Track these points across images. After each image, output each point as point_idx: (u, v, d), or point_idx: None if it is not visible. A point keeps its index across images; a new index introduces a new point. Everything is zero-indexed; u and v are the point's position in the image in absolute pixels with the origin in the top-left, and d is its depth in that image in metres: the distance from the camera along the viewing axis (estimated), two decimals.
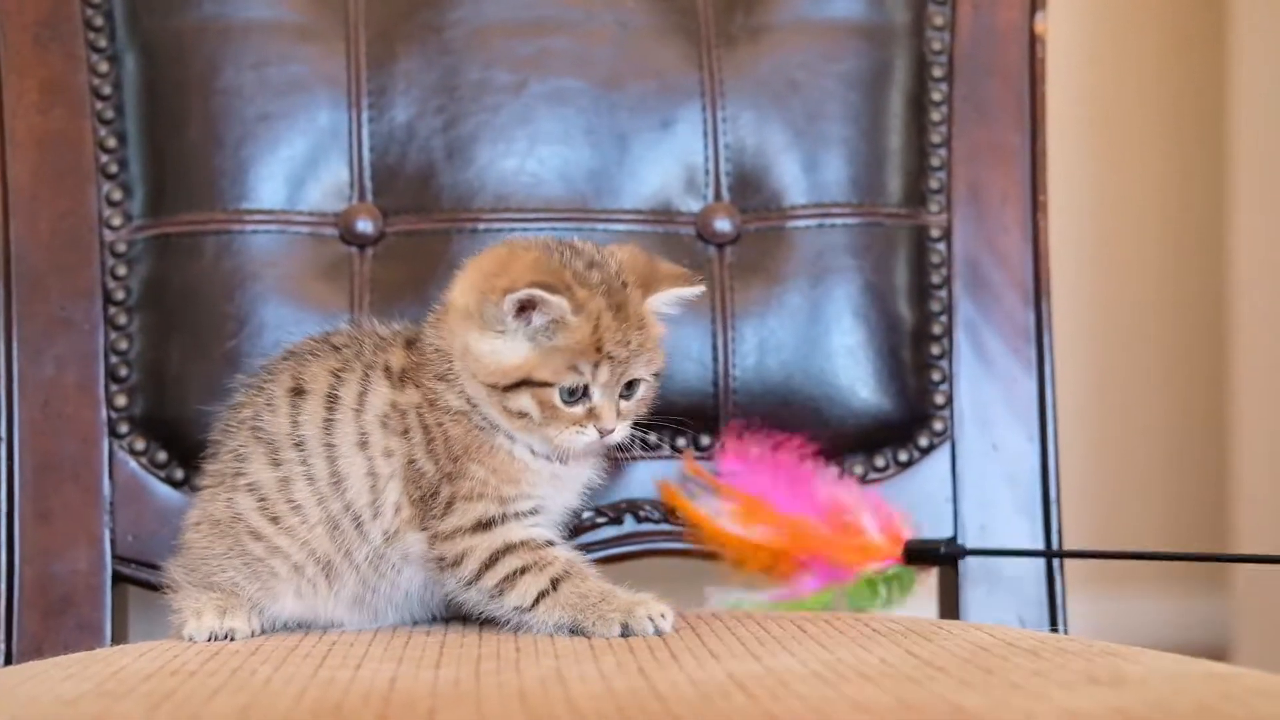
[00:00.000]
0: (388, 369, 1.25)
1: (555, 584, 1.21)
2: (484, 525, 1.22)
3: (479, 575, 1.22)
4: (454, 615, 1.28)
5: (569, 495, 1.28)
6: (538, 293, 1.16)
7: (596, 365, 1.19)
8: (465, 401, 1.22)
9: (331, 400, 1.25)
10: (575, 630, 1.20)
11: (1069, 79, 2.66)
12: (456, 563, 1.22)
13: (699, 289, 1.26)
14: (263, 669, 1.07)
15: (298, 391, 1.26)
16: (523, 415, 1.20)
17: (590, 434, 1.21)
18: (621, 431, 1.23)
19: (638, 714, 0.91)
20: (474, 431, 1.22)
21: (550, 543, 1.24)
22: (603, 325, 1.19)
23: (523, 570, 1.22)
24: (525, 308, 1.17)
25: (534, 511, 1.24)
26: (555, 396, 1.20)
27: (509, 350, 1.20)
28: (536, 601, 1.21)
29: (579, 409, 1.20)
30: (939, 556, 1.43)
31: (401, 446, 1.23)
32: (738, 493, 1.40)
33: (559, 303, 1.17)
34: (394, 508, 1.24)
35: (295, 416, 1.25)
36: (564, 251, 1.21)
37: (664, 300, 1.25)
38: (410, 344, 1.26)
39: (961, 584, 1.47)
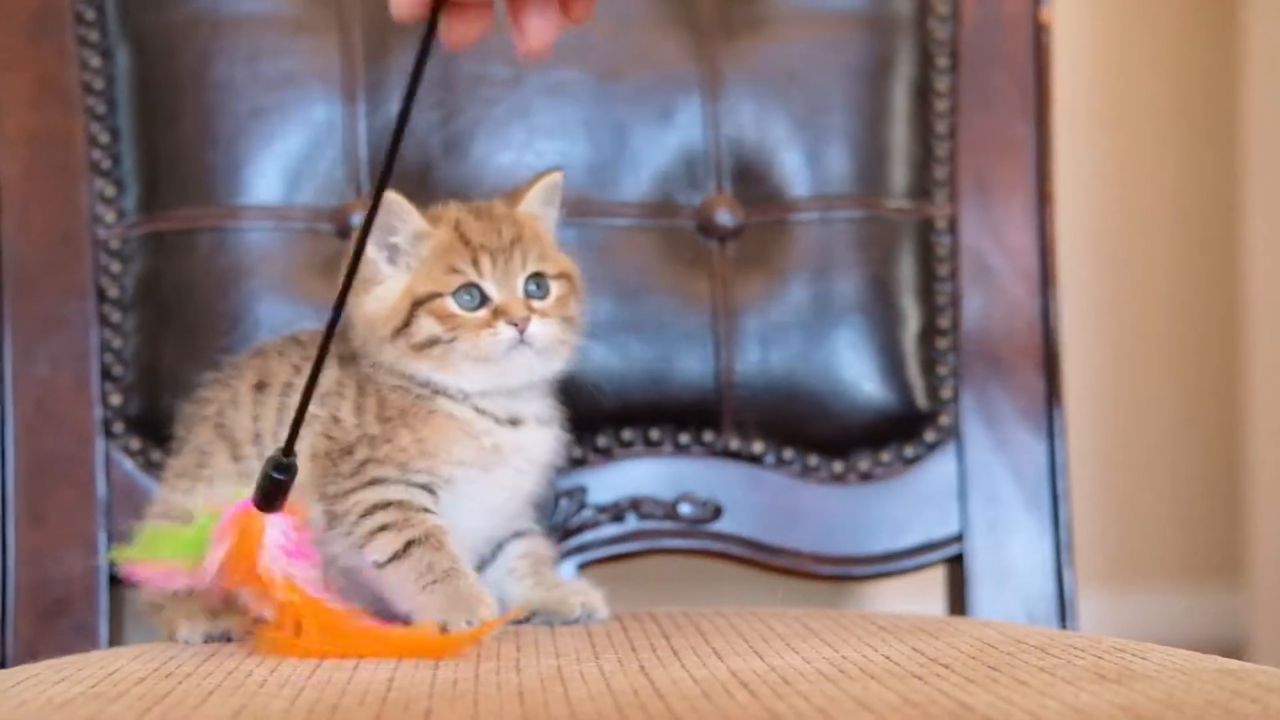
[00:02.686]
0: (340, 356, 1.24)
1: (408, 546, 1.19)
2: (374, 482, 1.21)
3: (354, 527, 1.20)
4: None
5: (517, 473, 1.25)
6: (387, 195, 1.15)
7: (475, 261, 1.20)
8: (399, 375, 1.22)
9: (286, 389, 1.24)
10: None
11: (1079, 71, 2.64)
12: (343, 518, 1.20)
13: (556, 175, 1.28)
14: (258, 670, 1.05)
15: (260, 387, 1.25)
16: (432, 342, 1.20)
17: (505, 331, 1.20)
18: (543, 330, 1.21)
19: (637, 713, 0.89)
20: (412, 397, 1.22)
21: (426, 510, 1.21)
22: (463, 224, 1.21)
23: (384, 527, 1.20)
24: (382, 237, 1.20)
25: (428, 488, 1.21)
26: (450, 305, 1.20)
27: (390, 289, 1.21)
28: (389, 560, 1.19)
29: (483, 312, 1.20)
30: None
31: (330, 408, 1.22)
32: None
33: (397, 200, 1.19)
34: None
35: (256, 411, 1.25)
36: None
37: (534, 200, 1.26)
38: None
39: (969, 580, 1.46)
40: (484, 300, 1.21)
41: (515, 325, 1.20)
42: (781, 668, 1.02)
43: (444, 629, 1.14)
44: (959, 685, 0.94)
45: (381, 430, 1.21)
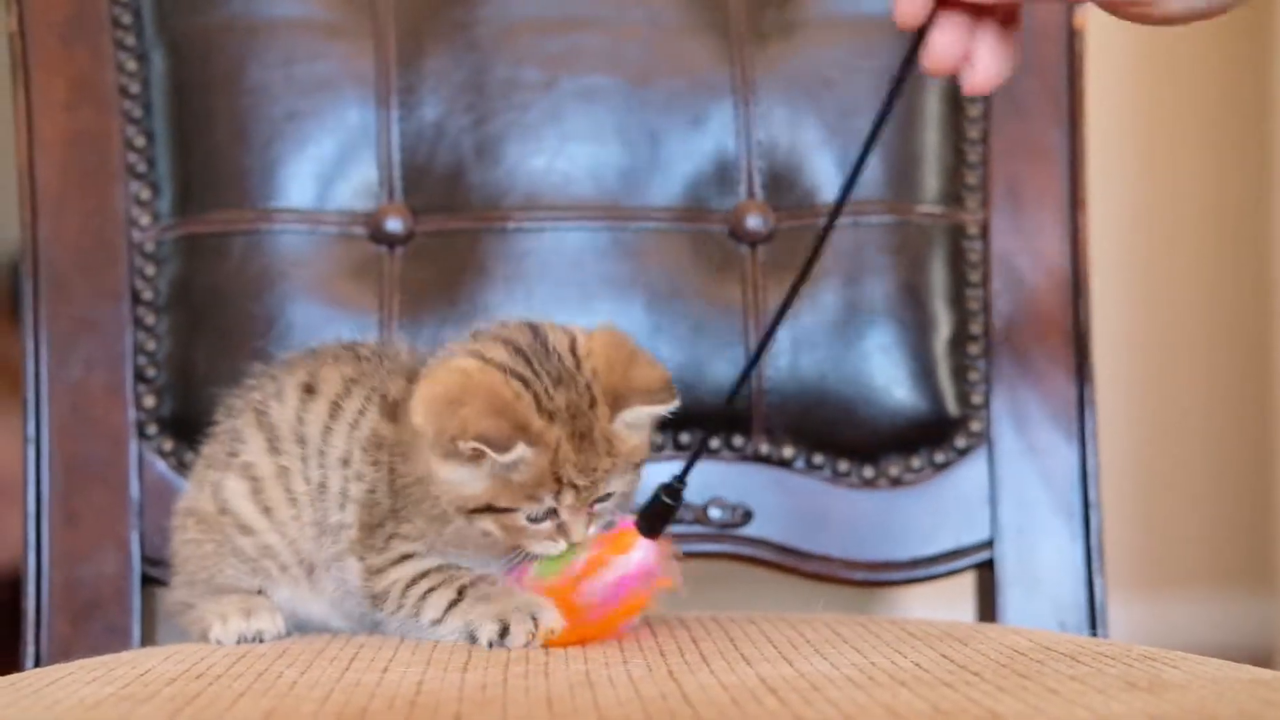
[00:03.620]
0: (384, 397, 1.22)
1: (461, 592, 1.18)
2: (405, 558, 1.20)
3: (402, 600, 1.20)
4: None
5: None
6: (483, 448, 1.12)
7: (558, 494, 1.15)
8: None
9: (335, 408, 1.23)
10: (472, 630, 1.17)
11: (1113, 79, 2.64)
12: (385, 596, 1.20)
13: (671, 406, 1.19)
14: (289, 672, 1.05)
15: (309, 389, 1.25)
16: (487, 535, 1.17)
17: (560, 545, 1.17)
18: (593, 532, 1.18)
19: (665, 719, 0.89)
20: (430, 506, 1.19)
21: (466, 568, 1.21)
22: (561, 457, 1.14)
23: (432, 589, 1.19)
24: (477, 453, 1.13)
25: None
26: (520, 519, 1.16)
27: (469, 481, 1.15)
28: (446, 610, 1.18)
29: (547, 525, 1.16)
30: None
31: (370, 475, 1.21)
32: None
33: (504, 458, 1.12)
34: (343, 529, 1.22)
35: (302, 412, 1.24)
36: (531, 364, 1.16)
37: (631, 419, 1.18)
38: (411, 379, 1.21)
39: (999, 587, 1.45)
40: (552, 514, 1.16)
41: (570, 542, 1.17)
42: (810, 674, 1.02)
43: (503, 635, 1.14)
44: (988, 693, 0.93)
45: (405, 511, 1.19)
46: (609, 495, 1.18)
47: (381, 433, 1.21)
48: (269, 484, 1.23)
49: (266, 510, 1.23)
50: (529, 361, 1.16)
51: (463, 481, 1.15)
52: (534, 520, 1.16)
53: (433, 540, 1.19)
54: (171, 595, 1.28)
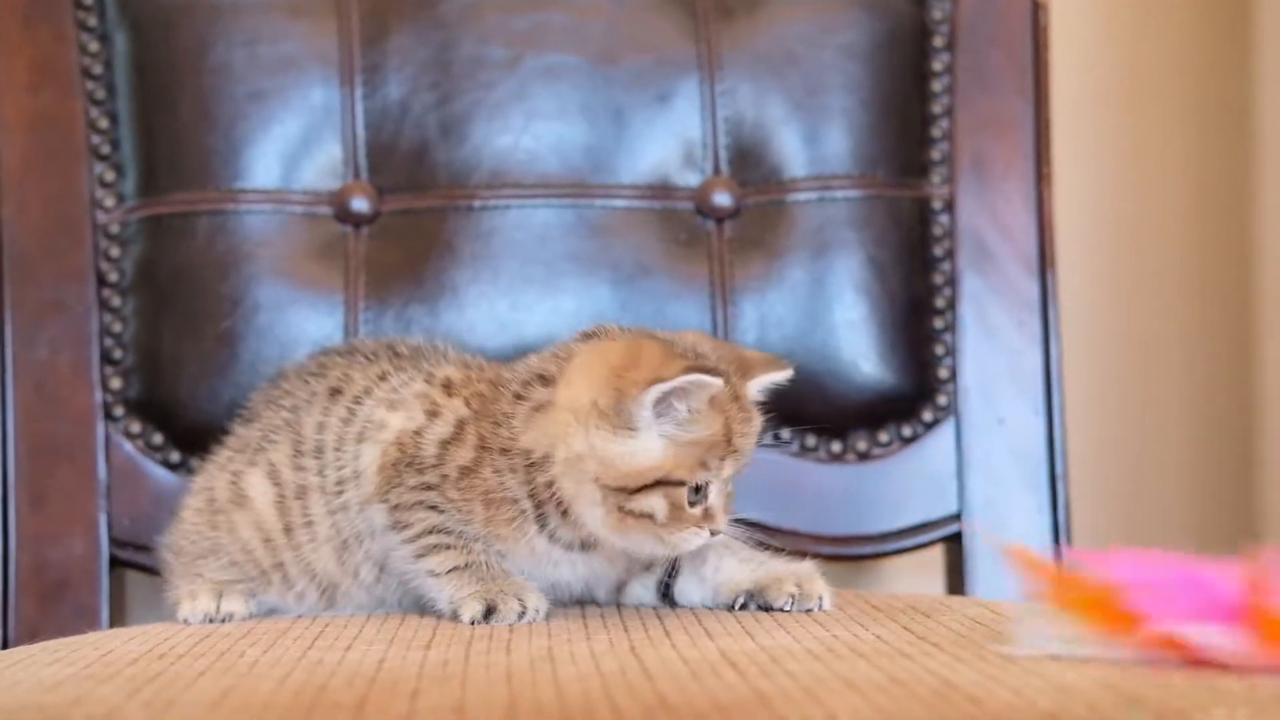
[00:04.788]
0: (431, 375, 1.20)
1: (468, 565, 1.17)
2: (437, 508, 1.18)
3: (416, 538, 1.18)
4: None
5: (564, 576, 1.21)
6: (694, 378, 1.08)
7: (724, 459, 1.13)
8: (525, 488, 1.16)
9: (355, 403, 1.22)
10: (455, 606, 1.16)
11: (1083, 51, 2.63)
12: (405, 526, 1.18)
13: (788, 371, 1.20)
14: (251, 651, 1.05)
15: (336, 391, 1.23)
16: (645, 516, 1.12)
17: (704, 535, 1.14)
18: (724, 529, 1.16)
19: (624, 693, 0.89)
20: (505, 508, 1.17)
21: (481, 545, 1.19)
22: (731, 416, 1.13)
23: (443, 547, 1.18)
24: (665, 399, 1.10)
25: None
26: (684, 496, 1.12)
27: (644, 450, 1.11)
28: (448, 572, 1.17)
29: (698, 509, 1.13)
30: None
31: (409, 422, 1.19)
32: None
33: (716, 384, 1.09)
34: (359, 496, 1.20)
35: (323, 419, 1.23)
36: (669, 344, 1.15)
37: (758, 386, 1.18)
38: (468, 366, 1.21)
39: (967, 559, 1.46)
40: (702, 495, 1.14)
41: (712, 531, 1.15)
42: (771, 647, 1.02)
43: (489, 613, 1.14)
44: (945, 664, 0.94)
45: (458, 487, 1.17)
46: (729, 484, 1.17)
47: (434, 396, 1.18)
48: (290, 502, 1.22)
49: (288, 530, 1.22)
50: (669, 341, 1.15)
51: (636, 452, 1.11)
52: (693, 500, 1.13)
53: (479, 530, 1.17)
54: (163, 550, 1.27)
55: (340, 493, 1.21)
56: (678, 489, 1.12)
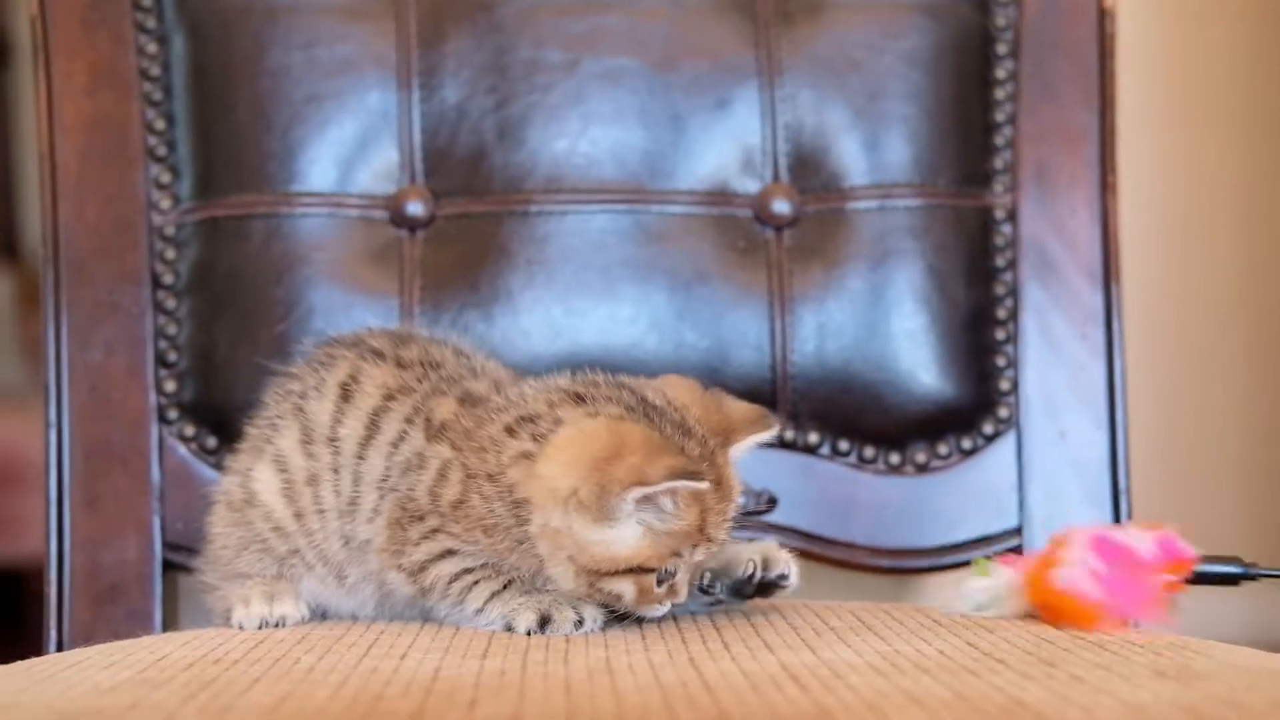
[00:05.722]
0: (429, 421, 1.19)
1: (506, 586, 1.16)
2: (449, 553, 1.18)
3: (446, 591, 1.18)
4: None
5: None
6: (679, 484, 1.09)
7: (695, 546, 1.13)
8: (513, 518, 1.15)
9: (372, 427, 1.21)
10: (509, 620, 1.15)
11: (1146, 60, 2.60)
12: (431, 588, 1.18)
13: (775, 431, 1.19)
14: (306, 658, 1.05)
15: (346, 394, 1.22)
16: (614, 595, 1.13)
17: (666, 607, 1.15)
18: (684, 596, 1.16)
19: (684, 707, 0.88)
20: (500, 535, 1.15)
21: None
22: (708, 506, 1.12)
23: (478, 582, 1.17)
24: (648, 498, 1.10)
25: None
26: (653, 581, 1.13)
27: (621, 540, 1.11)
28: (488, 601, 1.16)
29: (663, 588, 1.14)
30: (1231, 577, 1.23)
31: (405, 484, 1.18)
32: None
33: (704, 488, 1.10)
34: (370, 545, 1.20)
35: (338, 415, 1.22)
36: (651, 419, 1.14)
37: (742, 449, 1.18)
38: (463, 401, 1.19)
39: None
40: (668, 576, 1.14)
41: (674, 604, 1.15)
42: (833, 661, 1.00)
43: (545, 623, 1.13)
44: (1013, 681, 0.92)
45: (457, 521, 1.16)
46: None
47: (426, 453, 1.18)
48: (300, 488, 1.22)
49: (298, 516, 1.22)
50: (648, 416, 1.14)
51: (613, 542, 1.12)
52: (660, 580, 1.13)
53: (485, 554, 1.16)
54: (203, 573, 1.27)
55: (352, 508, 1.20)
56: (648, 575, 1.13)
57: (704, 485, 1.10)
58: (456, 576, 1.17)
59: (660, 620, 1.17)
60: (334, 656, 1.05)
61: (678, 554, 1.13)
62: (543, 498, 1.12)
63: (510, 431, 1.16)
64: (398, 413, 1.21)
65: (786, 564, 1.22)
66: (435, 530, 1.17)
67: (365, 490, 1.20)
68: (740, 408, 1.20)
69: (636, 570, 1.12)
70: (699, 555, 1.14)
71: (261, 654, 1.07)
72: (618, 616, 1.16)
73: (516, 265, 1.42)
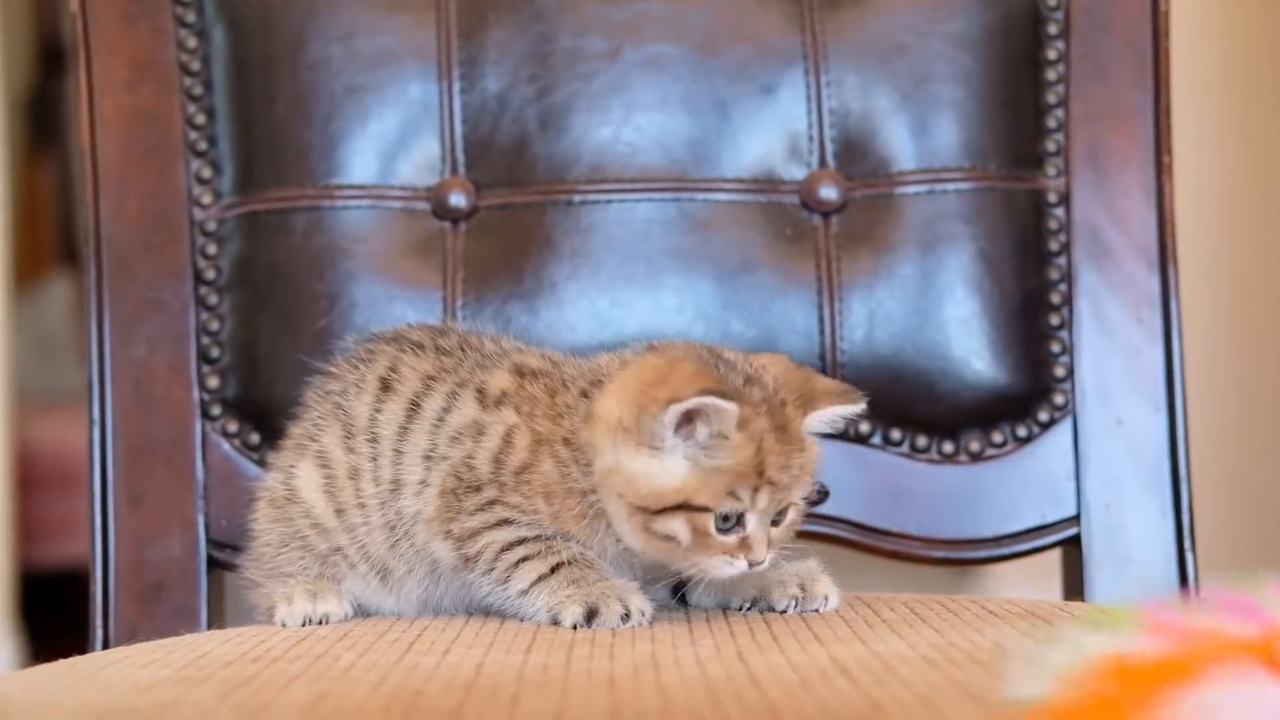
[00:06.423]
0: (480, 391, 1.18)
1: (555, 569, 1.14)
2: (504, 523, 1.16)
3: (494, 563, 1.16)
4: None
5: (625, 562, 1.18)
6: (708, 400, 1.07)
7: (756, 490, 1.10)
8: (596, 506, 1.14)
9: (413, 409, 1.20)
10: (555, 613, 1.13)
11: (1201, 42, 2.56)
12: (477, 556, 1.16)
13: (860, 406, 1.17)
14: (347, 655, 1.03)
15: (386, 385, 1.21)
16: (669, 539, 1.11)
17: (740, 565, 1.12)
18: (770, 562, 1.13)
19: (731, 701, 0.86)
20: (572, 502, 1.14)
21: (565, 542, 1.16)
22: (765, 447, 1.10)
23: (526, 558, 1.15)
24: (688, 420, 1.08)
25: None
26: (710, 523, 1.10)
27: (665, 471, 1.10)
28: (534, 584, 1.15)
29: (732, 538, 1.11)
30: None
31: (463, 450, 1.17)
32: None
33: (731, 410, 1.07)
34: (419, 516, 1.18)
35: (376, 406, 1.21)
36: (718, 364, 1.13)
37: (823, 419, 1.16)
38: (522, 373, 1.18)
39: (1086, 564, 1.41)
40: (739, 524, 1.12)
41: (751, 562, 1.12)
42: (884, 654, 0.98)
43: (591, 616, 1.11)
44: None
45: (518, 489, 1.15)
46: (786, 512, 1.14)
47: (484, 420, 1.16)
48: (341, 482, 1.21)
49: (339, 512, 1.21)
50: (717, 365, 1.13)
51: (658, 473, 1.10)
52: (723, 528, 1.11)
53: (546, 524, 1.15)
54: (247, 569, 1.26)
55: (395, 490, 1.19)
56: (702, 515, 1.10)
57: (731, 407, 1.08)
58: (508, 546, 1.15)
59: (708, 611, 1.15)
60: (375, 653, 1.03)
61: (734, 495, 1.10)
62: (599, 436, 1.12)
63: (585, 394, 1.15)
64: (440, 391, 1.20)
65: (824, 597, 1.18)
66: (492, 502, 1.16)
67: (408, 467, 1.19)
68: (827, 381, 1.19)
69: (686, 507, 1.10)
70: (762, 501, 1.11)
71: (302, 651, 1.05)
72: (686, 586, 1.14)
73: (560, 256, 1.40)
